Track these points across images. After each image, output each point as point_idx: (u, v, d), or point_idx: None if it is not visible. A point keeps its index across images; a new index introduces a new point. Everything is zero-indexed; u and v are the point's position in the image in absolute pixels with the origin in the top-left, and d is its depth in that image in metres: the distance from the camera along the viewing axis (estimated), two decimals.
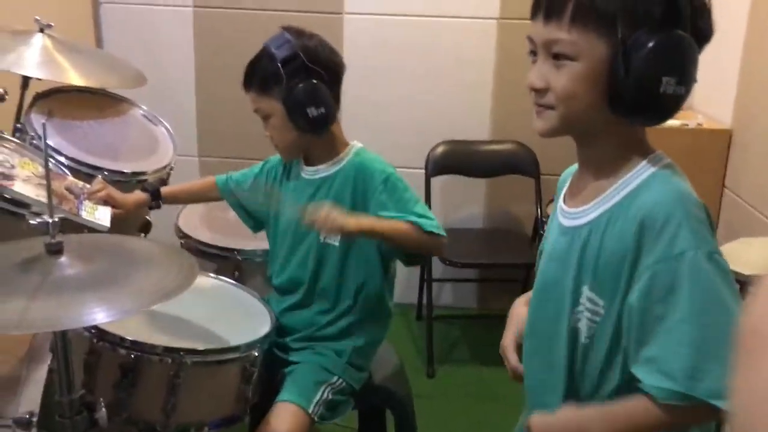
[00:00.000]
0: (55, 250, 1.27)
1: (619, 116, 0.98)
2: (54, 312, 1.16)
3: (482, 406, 2.71)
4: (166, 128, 2.15)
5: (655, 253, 0.94)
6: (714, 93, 2.75)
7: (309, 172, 1.76)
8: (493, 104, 3.24)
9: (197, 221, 2.19)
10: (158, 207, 1.90)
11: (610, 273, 1.00)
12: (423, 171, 3.12)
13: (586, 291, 1.03)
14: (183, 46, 3.26)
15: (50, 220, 1.26)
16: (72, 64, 1.96)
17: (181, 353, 1.47)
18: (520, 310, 1.27)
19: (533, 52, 1.03)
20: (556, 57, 0.99)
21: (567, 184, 1.15)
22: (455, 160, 3.18)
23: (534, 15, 1.02)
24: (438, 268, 3.10)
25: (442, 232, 1.65)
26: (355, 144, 1.76)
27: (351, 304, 1.74)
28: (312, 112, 1.61)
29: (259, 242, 1.99)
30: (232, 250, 2.06)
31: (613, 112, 0.98)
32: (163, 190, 1.90)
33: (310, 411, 1.63)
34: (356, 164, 1.70)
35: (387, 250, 1.72)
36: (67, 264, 1.26)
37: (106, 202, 1.76)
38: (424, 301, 3.15)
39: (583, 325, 1.04)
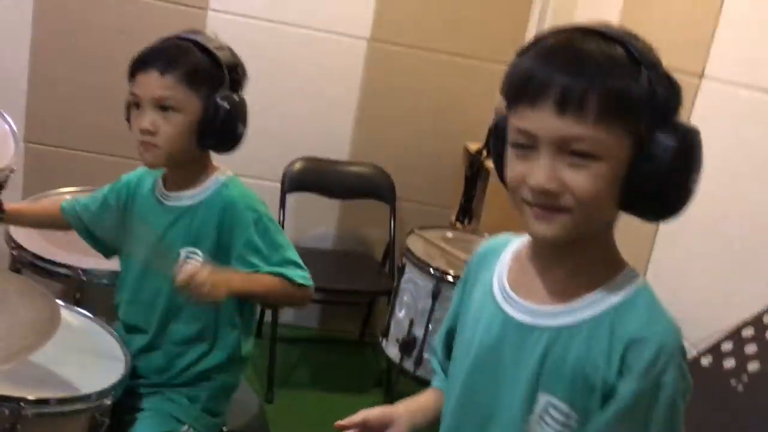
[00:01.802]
0: None
1: (634, 214, 0.92)
2: None
3: None
4: (8, 123, 1.86)
5: (639, 382, 0.89)
6: None
7: (171, 198, 1.58)
8: (355, 125, 3.19)
9: (33, 230, 1.91)
10: None
11: (582, 386, 0.93)
12: (278, 185, 3.01)
13: (547, 397, 0.96)
14: (20, 21, 2.88)
15: None
16: None
17: (21, 403, 1.26)
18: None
19: (523, 146, 0.91)
20: (575, 154, 0.87)
21: (503, 264, 1.05)
22: (312, 178, 3.10)
23: (532, 102, 0.88)
24: None
25: (310, 282, 1.57)
26: (225, 172, 1.60)
27: (206, 349, 1.59)
28: (240, 129, 1.49)
29: (105, 261, 1.77)
30: (75, 268, 1.82)
31: (625, 210, 0.92)
32: (8, 205, 1.63)
33: None
34: (224, 198, 1.54)
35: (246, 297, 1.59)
36: None
37: None
38: (266, 318, 3.02)
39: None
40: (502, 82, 0.94)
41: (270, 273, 1.51)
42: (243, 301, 1.60)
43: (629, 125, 0.87)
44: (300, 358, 3.18)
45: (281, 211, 2.97)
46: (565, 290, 0.97)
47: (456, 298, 1.16)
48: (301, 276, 1.54)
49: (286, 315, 3.34)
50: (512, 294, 1.01)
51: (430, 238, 2.68)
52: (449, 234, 2.80)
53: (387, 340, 2.59)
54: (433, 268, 2.41)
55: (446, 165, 3.20)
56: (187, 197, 1.56)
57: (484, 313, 1.04)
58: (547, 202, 0.89)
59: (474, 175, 2.95)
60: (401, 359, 2.48)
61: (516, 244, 1.07)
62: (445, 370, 1.19)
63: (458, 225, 3.01)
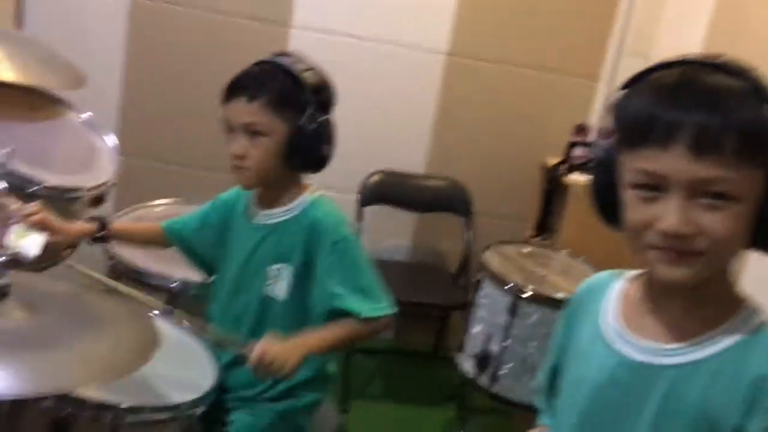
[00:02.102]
0: None
1: (764, 251, 0.89)
2: None
3: None
4: (109, 139, 1.95)
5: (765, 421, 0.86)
6: None
7: (262, 215, 1.63)
8: (432, 138, 3.21)
9: None
10: (103, 242, 1.71)
11: (705, 427, 0.89)
12: (356, 197, 3.05)
13: None
14: (114, 37, 3.02)
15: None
16: (3, 53, 1.75)
17: (120, 410, 1.32)
18: None
19: (649, 187, 0.86)
20: (711, 195, 0.83)
21: (610, 303, 1.02)
22: (389, 191, 3.13)
23: (662, 145, 0.83)
24: None
25: (383, 313, 1.57)
26: (314, 190, 1.63)
27: None
28: (326, 150, 1.54)
29: (194, 272, 1.83)
30: (168, 278, 1.90)
31: (756, 247, 0.89)
32: (113, 225, 1.70)
33: None
34: (312, 216, 1.58)
35: (333, 309, 1.60)
36: (7, 311, 1.10)
37: (41, 227, 1.55)
38: None
39: None
40: (611, 117, 0.91)
41: (341, 323, 1.53)
42: (331, 314, 1.61)
43: (765, 161, 0.84)
44: (374, 370, 3.21)
45: (358, 223, 3.01)
46: (683, 328, 0.93)
47: (559, 335, 1.13)
48: (373, 309, 1.55)
49: None
50: (626, 332, 0.98)
51: (506, 253, 2.67)
52: (526, 249, 2.77)
53: (462, 354, 2.59)
54: (510, 284, 2.40)
55: (523, 179, 3.18)
56: (277, 215, 1.60)
57: (594, 353, 1.01)
58: (680, 246, 0.85)
59: (552, 189, 2.92)
60: (476, 374, 2.48)
61: (621, 281, 1.04)
62: (550, 407, 1.18)
63: (535, 240, 2.99)
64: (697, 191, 0.84)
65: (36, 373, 1.02)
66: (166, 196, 2.34)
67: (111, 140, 1.97)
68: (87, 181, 1.81)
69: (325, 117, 1.54)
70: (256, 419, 1.61)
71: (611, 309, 1.02)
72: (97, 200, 1.81)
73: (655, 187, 0.86)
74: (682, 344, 0.92)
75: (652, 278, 0.96)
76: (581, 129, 2.91)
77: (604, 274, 1.09)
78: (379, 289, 1.58)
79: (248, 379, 1.63)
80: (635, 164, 0.87)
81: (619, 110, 0.90)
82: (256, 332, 1.61)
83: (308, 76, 1.54)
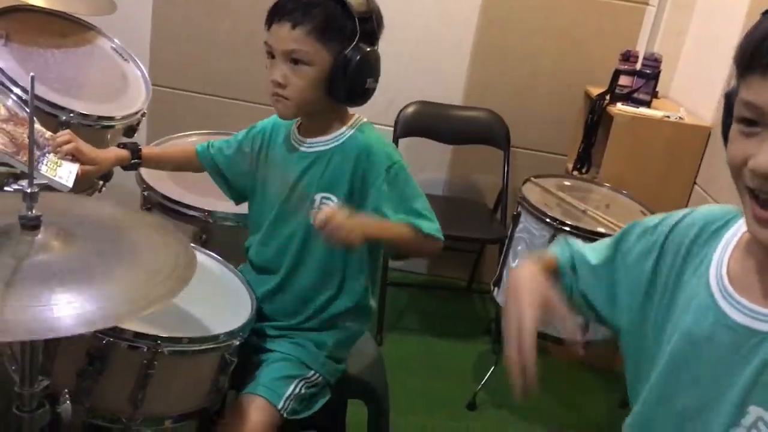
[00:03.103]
0: (31, 226, 1.08)
1: None
2: (12, 315, 0.96)
3: (431, 379, 2.67)
4: (139, 66, 1.90)
5: None
6: (700, 88, 2.71)
7: (305, 144, 1.58)
8: (470, 68, 3.10)
9: (164, 171, 1.97)
10: (135, 168, 1.68)
11: None
12: (391, 129, 2.99)
13: (760, 412, 0.84)
14: None
15: (29, 190, 1.06)
16: None
17: (158, 341, 1.31)
18: (538, 285, 1.01)
19: (749, 121, 0.79)
20: None
21: (724, 250, 0.92)
22: (425, 123, 3.06)
23: (764, 72, 0.77)
24: None
25: (440, 235, 1.53)
26: (361, 118, 1.59)
27: (333, 294, 1.60)
28: (370, 83, 1.47)
29: (230, 204, 1.81)
30: (203, 210, 1.87)
31: None
32: (144, 150, 1.67)
33: (279, 407, 1.50)
34: (360, 143, 1.53)
35: (377, 244, 1.58)
36: (40, 246, 1.08)
37: (74, 157, 1.53)
38: None
39: None
40: (737, 48, 0.82)
41: (402, 222, 1.49)
42: (372, 250, 1.60)
43: None
44: (408, 303, 3.21)
45: None
46: None
47: (637, 252, 1.02)
48: (431, 227, 1.51)
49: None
50: (730, 289, 0.89)
51: (546, 186, 2.59)
52: (566, 182, 2.69)
53: (499, 289, 2.55)
54: (550, 218, 2.34)
55: (565, 110, 3.08)
56: (322, 143, 1.56)
57: (695, 301, 0.92)
58: None
59: (595, 121, 2.82)
60: None
61: (737, 224, 0.93)
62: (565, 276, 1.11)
63: (576, 173, 2.90)
64: None
65: (77, 309, 0.99)
66: (198, 126, 2.30)
67: (143, 68, 1.92)
68: (119, 110, 1.77)
69: (371, 48, 1.47)
70: (296, 349, 1.59)
71: (724, 258, 0.92)
72: (130, 130, 1.77)
73: (755, 121, 0.78)
74: None
75: None
76: (628, 56, 2.77)
77: (719, 210, 0.97)
78: (432, 214, 1.55)
79: (288, 308, 1.62)
80: (741, 95, 0.80)
81: (744, 36, 0.81)
82: (300, 262, 1.59)
83: (356, 4, 1.45)
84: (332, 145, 1.55)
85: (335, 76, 1.45)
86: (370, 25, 1.47)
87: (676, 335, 0.94)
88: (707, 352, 0.90)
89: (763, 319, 0.85)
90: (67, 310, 0.99)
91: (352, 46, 1.44)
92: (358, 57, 1.44)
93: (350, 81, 1.45)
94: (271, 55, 1.49)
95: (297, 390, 1.54)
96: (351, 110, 1.59)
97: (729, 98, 0.85)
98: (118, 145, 1.65)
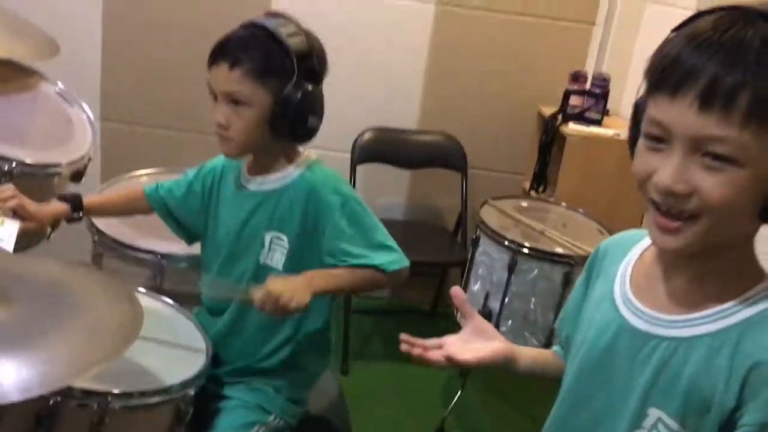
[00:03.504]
0: None
1: None
2: None
3: (399, 406, 2.65)
4: (84, 110, 1.87)
5: (765, 413, 0.80)
6: None
7: (253, 183, 1.56)
8: (424, 93, 3.12)
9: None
10: (78, 220, 1.63)
11: (697, 405, 0.85)
12: (348, 156, 2.98)
13: (658, 413, 0.88)
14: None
15: None
16: None
17: (108, 397, 1.28)
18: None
19: (656, 138, 0.82)
20: (711, 156, 0.78)
21: (628, 264, 0.98)
22: (382, 148, 3.06)
23: (673, 92, 0.78)
24: None
25: (405, 263, 1.53)
26: (310, 156, 1.57)
27: (291, 334, 1.58)
28: (312, 121, 1.46)
29: (182, 245, 1.78)
30: (156, 253, 1.84)
31: (764, 221, 0.82)
32: (86, 201, 1.63)
33: None
34: (309, 182, 1.51)
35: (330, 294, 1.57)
36: None
37: (15, 213, 1.48)
38: None
39: None
40: (647, 62, 0.84)
41: (355, 266, 1.48)
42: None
43: None
44: (373, 329, 3.19)
45: (351, 182, 2.95)
46: (688, 299, 0.88)
47: (577, 289, 1.10)
48: (390, 261, 1.50)
49: None
50: (631, 297, 0.94)
51: (504, 209, 2.61)
52: (524, 203, 2.72)
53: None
54: (509, 240, 2.35)
55: (519, 131, 3.10)
56: (270, 182, 1.54)
57: (599, 312, 0.98)
58: (673, 205, 0.81)
59: (549, 141, 2.85)
60: None
61: (646, 241, 0.98)
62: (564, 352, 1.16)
63: (533, 193, 2.93)
64: (698, 148, 0.78)
65: (19, 375, 0.97)
66: (151, 160, 2.27)
67: (88, 111, 1.89)
68: (65, 155, 1.74)
69: (311, 86, 1.45)
70: (254, 394, 1.57)
71: (627, 271, 0.97)
72: (78, 175, 1.74)
73: (661, 138, 0.81)
74: (682, 317, 0.88)
75: None
76: (577, 76, 2.82)
77: (631, 233, 1.03)
78: (393, 242, 1.54)
79: (243, 349, 1.59)
80: (650, 111, 0.83)
81: (654, 54, 0.84)
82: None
83: (295, 42, 1.43)
84: (281, 183, 1.53)
85: (276, 115, 1.44)
86: (311, 63, 1.46)
87: (584, 345, 0.99)
88: (612, 358, 0.94)
89: (661, 324, 0.89)
90: (4, 377, 0.96)
91: (291, 84, 1.43)
92: (299, 96, 1.43)
93: (292, 120, 1.44)
94: (214, 96, 1.47)
95: None
96: (301, 147, 1.58)
97: (637, 109, 0.88)
98: (59, 197, 1.61)
